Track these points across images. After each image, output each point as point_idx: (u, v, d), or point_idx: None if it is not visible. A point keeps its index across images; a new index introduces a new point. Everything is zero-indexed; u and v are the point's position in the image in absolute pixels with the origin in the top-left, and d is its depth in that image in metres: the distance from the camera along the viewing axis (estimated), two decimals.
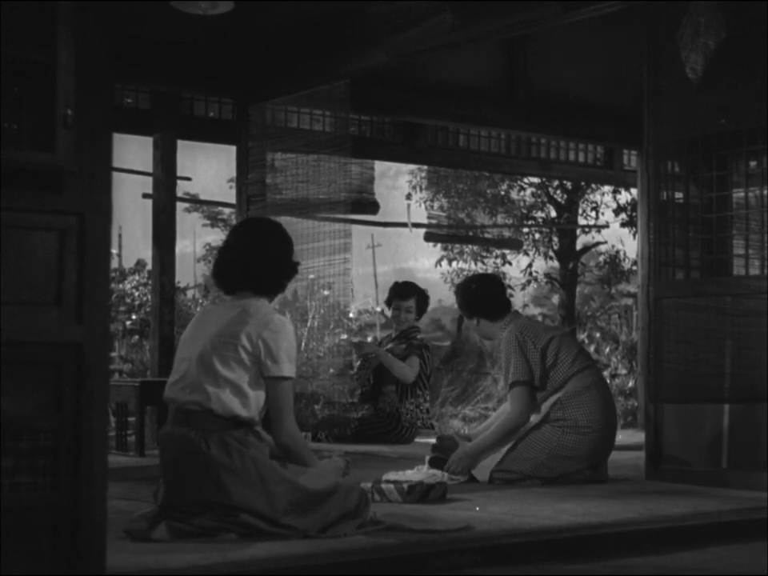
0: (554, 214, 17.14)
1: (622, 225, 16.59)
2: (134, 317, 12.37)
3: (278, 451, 3.91)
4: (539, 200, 17.01)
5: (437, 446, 5.62)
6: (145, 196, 9.05)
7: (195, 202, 16.74)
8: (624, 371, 13.38)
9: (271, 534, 3.70)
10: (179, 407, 3.86)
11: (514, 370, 5.44)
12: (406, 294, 7.79)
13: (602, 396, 5.49)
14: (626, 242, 17.19)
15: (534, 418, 5.47)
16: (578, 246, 17.21)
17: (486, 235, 17.09)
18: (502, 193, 16.90)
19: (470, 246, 17.31)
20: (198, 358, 3.85)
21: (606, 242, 17.45)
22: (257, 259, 3.92)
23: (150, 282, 10.93)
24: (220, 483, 3.72)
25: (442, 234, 15.76)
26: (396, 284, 7.91)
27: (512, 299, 17.32)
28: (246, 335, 3.80)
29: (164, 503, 3.82)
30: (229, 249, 4.01)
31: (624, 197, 16.32)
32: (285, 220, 7.91)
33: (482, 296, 5.72)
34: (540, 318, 17.55)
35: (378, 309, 17.01)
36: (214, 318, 3.92)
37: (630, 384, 12.34)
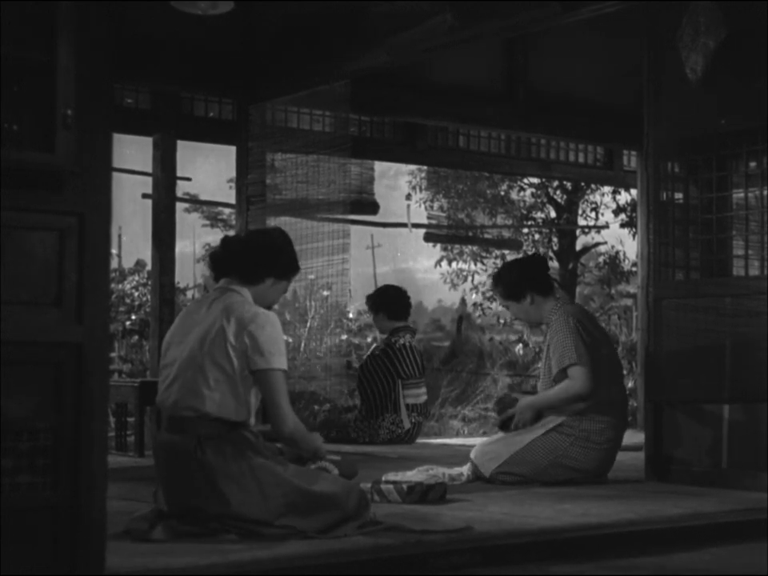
0: (553, 214, 17.14)
1: (622, 225, 16.59)
2: (133, 317, 12.35)
3: (285, 448, 3.94)
4: (539, 200, 17.00)
5: (499, 403, 5.61)
6: (145, 196, 9.05)
7: (195, 202, 16.72)
8: (624, 372, 13.36)
9: (270, 536, 3.69)
10: (173, 414, 3.87)
11: (575, 350, 5.28)
12: (369, 307, 8.11)
13: (622, 414, 5.47)
14: (625, 243, 17.20)
15: (543, 425, 5.41)
16: (578, 247, 17.20)
17: (486, 235, 17.09)
18: (502, 193, 16.90)
19: (470, 247, 17.30)
20: (187, 361, 3.86)
21: (605, 243, 17.46)
22: (242, 249, 4.05)
23: (149, 282, 10.92)
24: (217, 489, 3.72)
25: (442, 235, 15.77)
26: None
27: None
28: (232, 332, 3.80)
29: (163, 511, 3.81)
30: (225, 241, 4.16)
31: (624, 197, 16.32)
32: (284, 220, 7.94)
33: (530, 271, 5.62)
34: None
35: None
36: (198, 318, 3.93)
37: (630, 384, 12.31)
